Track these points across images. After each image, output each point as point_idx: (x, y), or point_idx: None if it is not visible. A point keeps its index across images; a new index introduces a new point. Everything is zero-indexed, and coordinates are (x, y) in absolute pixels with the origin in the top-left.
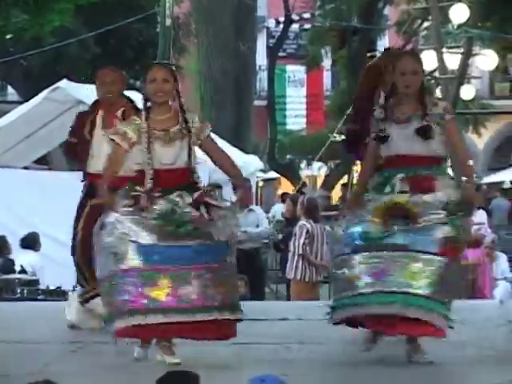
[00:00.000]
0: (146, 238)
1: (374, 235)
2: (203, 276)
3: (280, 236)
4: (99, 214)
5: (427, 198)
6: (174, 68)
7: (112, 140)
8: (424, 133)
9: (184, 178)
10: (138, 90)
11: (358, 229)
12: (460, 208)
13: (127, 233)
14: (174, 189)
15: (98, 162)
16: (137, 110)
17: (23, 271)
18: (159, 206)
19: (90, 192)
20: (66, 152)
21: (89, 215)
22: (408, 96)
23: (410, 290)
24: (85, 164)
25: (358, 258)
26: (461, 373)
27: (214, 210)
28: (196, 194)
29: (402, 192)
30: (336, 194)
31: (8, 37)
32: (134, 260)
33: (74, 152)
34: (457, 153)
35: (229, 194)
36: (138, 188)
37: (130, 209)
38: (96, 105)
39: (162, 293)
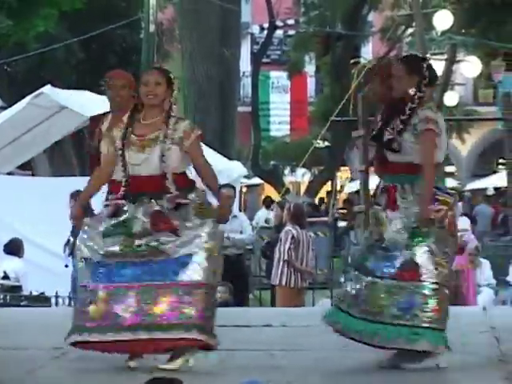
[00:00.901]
0: (97, 254)
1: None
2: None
3: (264, 242)
4: None
5: (392, 215)
6: (170, 73)
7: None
8: (389, 146)
9: (153, 186)
10: None
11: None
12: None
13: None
14: (139, 196)
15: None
16: None
17: (6, 277)
18: (123, 215)
19: None
20: (90, 160)
21: None
22: (405, 102)
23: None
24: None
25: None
26: (444, 378)
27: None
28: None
29: (378, 204)
30: (319, 200)
31: None
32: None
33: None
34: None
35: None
36: (110, 196)
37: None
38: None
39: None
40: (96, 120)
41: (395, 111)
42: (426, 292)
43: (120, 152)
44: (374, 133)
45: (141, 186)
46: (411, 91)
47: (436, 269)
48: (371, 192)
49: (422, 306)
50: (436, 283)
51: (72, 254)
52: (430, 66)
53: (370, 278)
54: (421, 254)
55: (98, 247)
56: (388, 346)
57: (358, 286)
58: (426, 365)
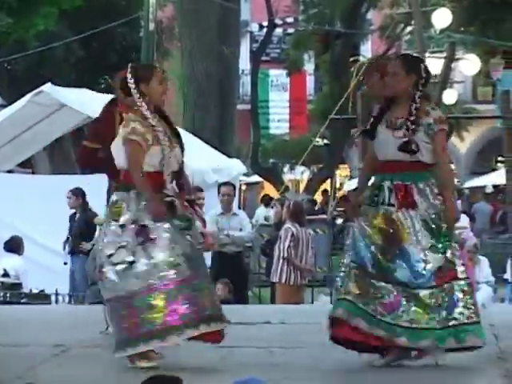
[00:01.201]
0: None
1: (382, 264)
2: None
3: (264, 240)
4: None
5: (412, 214)
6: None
7: (132, 140)
8: (405, 149)
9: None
10: None
11: (367, 252)
12: (445, 230)
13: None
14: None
15: None
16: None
17: (6, 275)
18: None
19: None
20: (81, 157)
21: None
22: (399, 100)
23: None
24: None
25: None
26: (442, 375)
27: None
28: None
29: (390, 205)
30: (319, 197)
31: None
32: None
33: (92, 157)
34: (438, 167)
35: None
36: (166, 192)
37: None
38: (112, 104)
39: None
40: (105, 122)
41: (388, 108)
42: (466, 288)
43: (163, 148)
44: (367, 128)
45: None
46: (411, 90)
47: (463, 264)
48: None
49: (465, 302)
50: (467, 278)
51: (72, 251)
52: (427, 68)
53: (404, 289)
54: (452, 253)
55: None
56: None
57: (385, 294)
58: (425, 362)
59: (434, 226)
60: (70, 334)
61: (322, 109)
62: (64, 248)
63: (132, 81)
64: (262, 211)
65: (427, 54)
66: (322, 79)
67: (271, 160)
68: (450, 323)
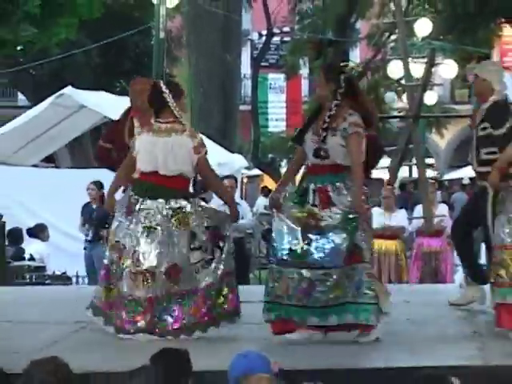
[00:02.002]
0: None
1: (298, 251)
2: None
3: (264, 227)
4: None
5: (333, 210)
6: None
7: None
8: (317, 155)
9: None
10: None
11: (286, 244)
12: (353, 218)
13: None
14: None
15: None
16: None
17: (32, 259)
18: None
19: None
20: (99, 156)
21: None
22: (324, 107)
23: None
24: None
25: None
26: (420, 348)
27: None
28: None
29: (314, 205)
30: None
31: (18, 48)
32: None
33: (107, 157)
34: (351, 165)
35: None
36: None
37: None
38: (128, 112)
39: None
40: (117, 124)
41: (315, 116)
42: (369, 272)
43: None
44: (295, 135)
45: None
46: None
47: (371, 250)
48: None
49: (368, 284)
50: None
51: (93, 239)
52: (349, 79)
53: (317, 271)
54: (359, 238)
55: None
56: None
57: (301, 281)
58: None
59: (346, 215)
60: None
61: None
62: (86, 235)
63: (170, 96)
64: (261, 201)
65: (410, 60)
66: (316, 82)
67: (270, 155)
68: (357, 300)
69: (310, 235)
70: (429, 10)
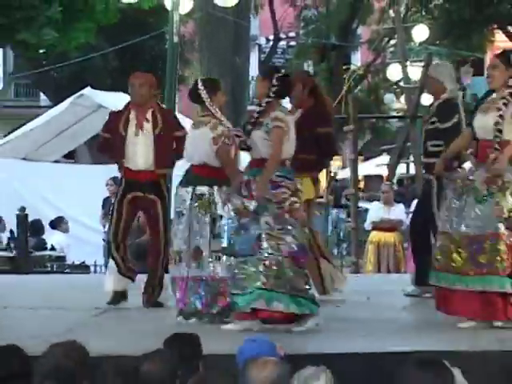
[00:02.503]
0: None
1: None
2: None
3: None
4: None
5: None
6: None
7: (226, 143)
8: (241, 147)
9: None
10: None
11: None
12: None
13: None
14: None
15: (129, 157)
16: (164, 111)
17: (53, 249)
18: None
19: (127, 185)
20: (99, 146)
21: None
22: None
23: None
24: (120, 157)
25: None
26: (416, 335)
27: None
28: None
29: (245, 197)
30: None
31: (41, 51)
32: None
33: (108, 146)
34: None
35: None
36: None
37: None
38: (128, 105)
39: None
40: (116, 115)
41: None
42: (267, 262)
43: None
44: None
45: None
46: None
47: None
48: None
49: (267, 272)
50: (272, 254)
51: None
52: (282, 79)
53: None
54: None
55: None
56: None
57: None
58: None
59: (257, 207)
60: (107, 298)
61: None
62: (104, 226)
63: (205, 91)
64: None
65: (408, 63)
66: (320, 84)
67: None
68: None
69: (241, 226)
70: (426, 16)
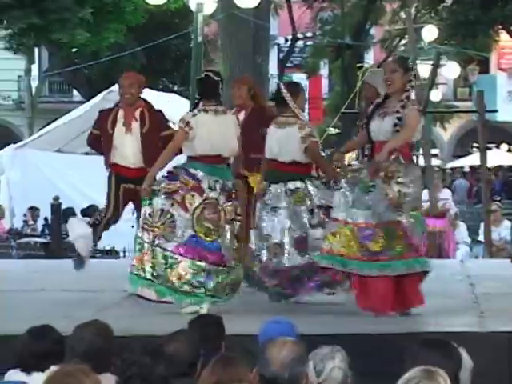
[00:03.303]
0: None
1: None
2: None
3: None
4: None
5: None
6: None
7: (315, 141)
8: None
9: None
10: (176, 92)
11: None
12: None
13: None
14: None
15: (117, 154)
16: (152, 110)
17: None
18: None
19: (118, 178)
20: (90, 142)
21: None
22: None
23: None
24: (107, 153)
25: None
26: (427, 318)
27: None
28: None
29: None
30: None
31: (73, 50)
32: None
33: (96, 142)
34: None
35: None
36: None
37: None
38: (118, 104)
39: None
40: (105, 113)
41: None
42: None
43: None
44: None
45: None
46: None
47: None
48: None
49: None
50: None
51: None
52: (202, 80)
53: None
54: None
55: None
56: None
57: None
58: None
59: None
60: None
61: (334, 105)
62: (132, 213)
63: (288, 94)
64: None
65: (418, 62)
66: (335, 81)
67: None
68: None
69: None
70: (435, 17)
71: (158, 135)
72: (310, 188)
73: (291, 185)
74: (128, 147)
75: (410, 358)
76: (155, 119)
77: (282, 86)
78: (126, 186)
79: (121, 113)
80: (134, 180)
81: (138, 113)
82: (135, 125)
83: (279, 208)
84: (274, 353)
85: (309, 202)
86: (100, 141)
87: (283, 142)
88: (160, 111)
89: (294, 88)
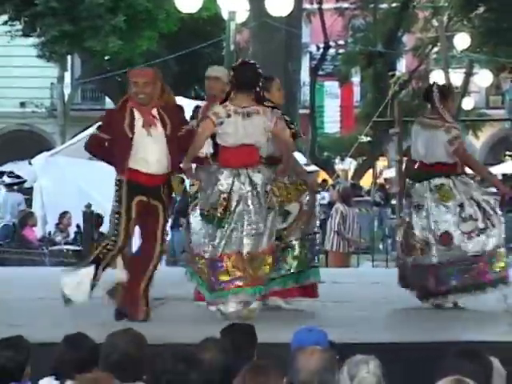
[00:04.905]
0: None
1: None
2: None
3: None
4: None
5: None
6: None
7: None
8: None
9: None
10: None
11: None
12: None
13: None
14: None
15: (138, 160)
16: (169, 108)
17: None
18: None
19: (131, 188)
20: (91, 146)
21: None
22: None
23: None
24: (123, 160)
25: None
26: (459, 328)
27: None
28: None
29: None
30: (364, 183)
31: (106, 58)
32: None
33: (102, 146)
34: None
35: None
36: None
37: None
38: (125, 102)
39: None
40: (115, 113)
41: None
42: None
43: None
44: None
45: None
46: None
47: None
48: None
49: None
50: None
51: (173, 226)
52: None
53: None
54: None
55: None
56: None
57: None
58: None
59: None
60: (168, 289)
61: (366, 112)
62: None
63: (438, 96)
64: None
65: (450, 70)
66: (367, 89)
67: (325, 153)
68: None
69: None
70: (467, 25)
71: (177, 135)
72: (458, 183)
73: (436, 181)
74: (152, 152)
75: (441, 368)
76: (175, 117)
77: (434, 85)
78: (139, 199)
79: (137, 114)
80: (147, 191)
81: (155, 112)
82: (158, 126)
83: (422, 205)
84: (304, 361)
85: (458, 197)
86: (104, 146)
87: (429, 144)
88: (178, 107)
89: (445, 91)
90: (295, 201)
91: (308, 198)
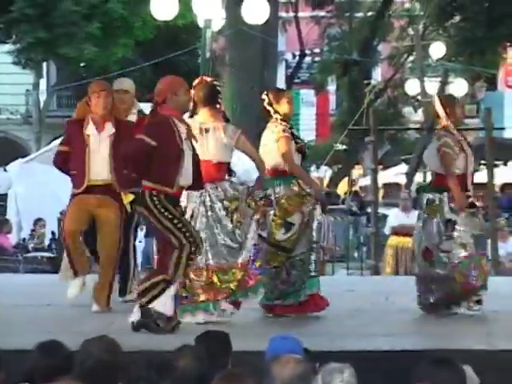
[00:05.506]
0: None
1: None
2: None
3: None
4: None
5: None
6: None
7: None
8: None
9: None
10: None
11: None
12: None
13: None
14: None
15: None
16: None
17: None
18: None
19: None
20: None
21: None
22: None
23: None
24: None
25: None
26: (434, 336)
27: None
28: None
29: None
30: (339, 191)
31: (81, 65)
32: None
33: (66, 160)
34: None
35: None
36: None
37: None
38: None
39: None
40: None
41: None
42: None
43: None
44: None
45: None
46: None
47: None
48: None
49: None
50: None
51: (146, 235)
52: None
53: None
54: None
55: None
56: None
57: None
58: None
59: None
60: None
61: (341, 121)
62: (141, 229)
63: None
64: None
65: (425, 79)
66: (342, 97)
67: None
68: None
69: None
70: (443, 34)
71: None
72: (446, 200)
73: (429, 195)
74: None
75: (415, 376)
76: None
77: (436, 97)
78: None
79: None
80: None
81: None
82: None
83: (419, 218)
84: (278, 371)
85: (444, 215)
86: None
87: (431, 155)
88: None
89: (447, 101)
90: (297, 211)
91: (310, 207)
